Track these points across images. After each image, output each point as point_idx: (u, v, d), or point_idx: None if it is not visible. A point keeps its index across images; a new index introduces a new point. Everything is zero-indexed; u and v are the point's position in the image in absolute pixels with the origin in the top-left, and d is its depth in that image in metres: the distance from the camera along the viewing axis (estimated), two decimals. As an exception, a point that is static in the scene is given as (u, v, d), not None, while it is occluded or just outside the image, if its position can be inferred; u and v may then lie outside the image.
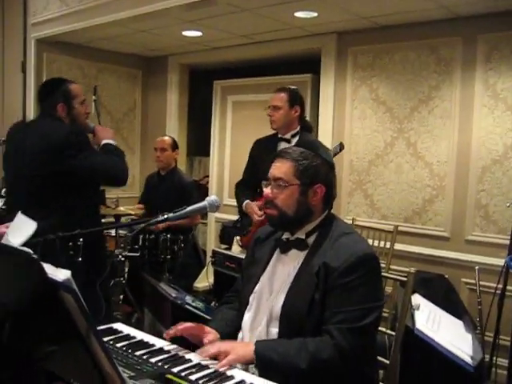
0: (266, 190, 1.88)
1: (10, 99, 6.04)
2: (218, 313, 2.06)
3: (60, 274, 1.03)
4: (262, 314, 1.84)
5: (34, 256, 1.02)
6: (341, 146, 3.63)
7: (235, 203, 3.75)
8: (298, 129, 3.52)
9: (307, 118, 3.87)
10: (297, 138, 3.47)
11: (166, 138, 4.87)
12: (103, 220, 4.04)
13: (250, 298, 1.91)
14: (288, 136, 3.48)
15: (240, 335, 1.91)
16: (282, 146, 3.36)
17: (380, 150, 4.62)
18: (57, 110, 2.93)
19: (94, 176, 2.92)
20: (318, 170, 1.84)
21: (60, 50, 5.81)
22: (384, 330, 2.29)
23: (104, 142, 3.05)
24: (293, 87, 3.59)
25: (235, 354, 1.65)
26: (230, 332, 1.92)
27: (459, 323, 3.17)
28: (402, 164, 4.49)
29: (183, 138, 6.41)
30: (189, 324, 1.86)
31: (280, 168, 1.85)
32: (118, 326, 1.94)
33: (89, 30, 5.16)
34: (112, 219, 4.28)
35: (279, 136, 3.53)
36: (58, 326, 1.11)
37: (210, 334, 1.85)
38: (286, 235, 1.92)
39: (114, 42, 5.73)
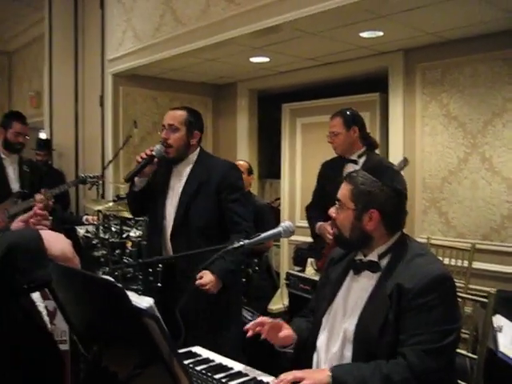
0: (331, 210, 1.94)
1: (89, 132, 6.38)
2: (294, 322, 2.11)
3: (143, 302, 1.09)
4: (336, 335, 1.85)
5: (119, 285, 1.09)
6: (405, 162, 3.51)
7: (308, 225, 3.76)
8: (364, 149, 3.47)
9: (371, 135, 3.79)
10: (364, 158, 3.44)
11: (242, 162, 4.95)
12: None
13: (324, 320, 1.93)
14: (354, 157, 3.46)
15: (315, 357, 1.92)
16: (350, 167, 3.34)
17: (453, 166, 4.51)
18: None
19: None
20: (375, 196, 1.83)
21: (134, 82, 6.11)
22: (465, 352, 2.23)
23: None
24: (348, 109, 3.56)
25: (311, 380, 1.67)
26: (305, 338, 1.97)
27: (546, 345, 3.02)
28: (477, 180, 4.36)
29: (254, 161, 6.50)
30: (266, 319, 1.92)
31: (342, 190, 1.90)
32: (197, 349, 2.00)
33: (161, 63, 5.40)
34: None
35: (345, 157, 3.53)
36: (142, 350, 1.17)
37: (287, 329, 1.94)
38: (358, 256, 1.93)
39: (184, 72, 5.95)
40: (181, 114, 2.86)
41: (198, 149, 2.93)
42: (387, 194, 1.85)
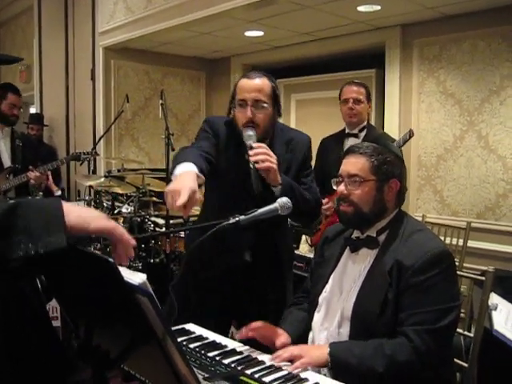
0: (340, 187, 1.82)
1: (80, 106, 6.28)
2: (288, 315, 2.04)
3: (136, 278, 1.04)
4: (333, 314, 1.81)
5: (111, 260, 1.04)
6: (410, 133, 3.47)
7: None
8: (366, 123, 3.48)
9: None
10: (364, 132, 3.43)
11: None
12: (172, 221, 4.12)
13: (320, 298, 1.88)
14: (356, 131, 3.44)
15: (310, 336, 1.89)
16: (351, 141, 3.32)
17: (449, 144, 4.47)
18: None
19: None
20: (393, 166, 1.81)
21: (126, 56, 5.99)
22: (461, 331, 2.21)
23: None
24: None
25: (309, 358, 1.63)
26: (301, 334, 1.90)
27: (540, 323, 3.02)
28: (472, 158, 4.33)
29: (247, 137, 6.44)
30: (260, 323, 1.86)
31: (355, 164, 1.80)
32: (191, 326, 1.96)
33: (153, 36, 5.29)
34: (181, 220, 4.35)
35: (346, 132, 3.49)
36: (135, 328, 1.13)
37: (282, 335, 1.84)
38: (355, 233, 1.88)
39: (177, 45, 5.85)
40: (266, 83, 2.18)
41: None
42: (399, 162, 1.83)
